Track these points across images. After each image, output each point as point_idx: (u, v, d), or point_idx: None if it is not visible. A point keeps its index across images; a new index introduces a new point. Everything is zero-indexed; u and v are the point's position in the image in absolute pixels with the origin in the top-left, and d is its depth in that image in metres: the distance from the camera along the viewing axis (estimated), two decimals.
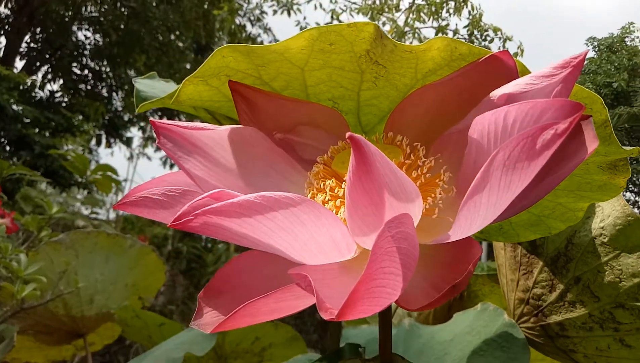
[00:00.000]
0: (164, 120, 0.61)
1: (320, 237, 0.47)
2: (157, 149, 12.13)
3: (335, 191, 0.57)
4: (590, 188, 0.80)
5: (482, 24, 8.74)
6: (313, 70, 0.66)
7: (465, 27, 8.98)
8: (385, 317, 0.73)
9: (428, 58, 0.60)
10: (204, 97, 0.73)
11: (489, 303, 1.32)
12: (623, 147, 0.67)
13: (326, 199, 0.58)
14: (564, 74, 0.50)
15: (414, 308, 0.46)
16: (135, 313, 2.14)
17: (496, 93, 0.55)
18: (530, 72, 0.58)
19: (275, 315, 0.51)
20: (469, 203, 0.44)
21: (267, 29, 12.93)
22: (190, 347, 1.53)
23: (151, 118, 0.61)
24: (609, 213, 1.05)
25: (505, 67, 0.57)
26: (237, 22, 12.05)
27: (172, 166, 12.09)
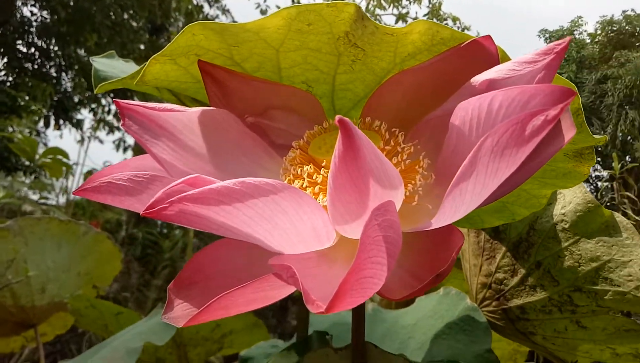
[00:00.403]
0: (130, 101, 0.57)
1: (301, 225, 0.45)
2: (110, 132, 11.71)
3: (314, 177, 0.55)
4: (555, 175, 0.82)
5: (442, 12, 8.86)
6: (288, 51, 0.63)
7: (425, 15, 9.07)
8: (358, 307, 0.72)
9: (408, 42, 0.59)
10: (171, 77, 0.69)
11: (451, 287, 1.34)
12: (593, 135, 0.68)
13: (304, 185, 0.55)
14: (546, 60, 0.49)
15: (396, 298, 0.45)
16: (90, 303, 2.06)
17: (478, 79, 0.54)
18: (510, 59, 0.57)
19: (252, 306, 0.49)
20: (455, 191, 0.43)
21: (225, 11, 12.62)
22: (149, 336, 1.49)
23: (114, 98, 0.56)
24: (570, 199, 1.08)
25: (486, 53, 0.57)
26: (195, 2, 11.70)
27: (125, 150, 11.71)
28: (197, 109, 0.60)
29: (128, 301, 6.89)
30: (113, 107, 11.34)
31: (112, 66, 0.97)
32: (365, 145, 0.40)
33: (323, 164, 0.56)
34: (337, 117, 0.38)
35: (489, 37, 0.56)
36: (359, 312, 0.72)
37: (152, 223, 11.10)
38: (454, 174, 0.56)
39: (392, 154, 0.58)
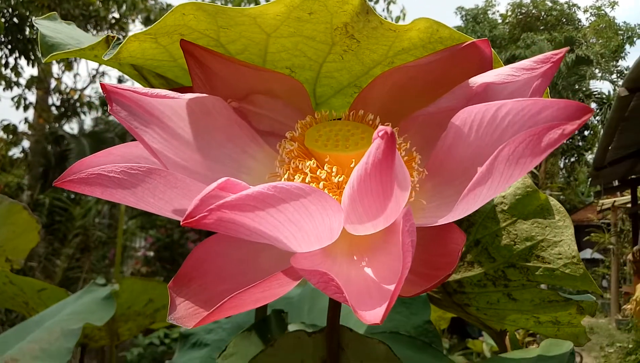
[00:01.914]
0: (118, 84, 0.52)
1: (322, 227, 0.45)
2: (7, 87, 10.59)
3: (317, 173, 0.55)
4: None
5: None
6: (280, 37, 0.61)
7: None
8: None
9: (406, 38, 0.59)
10: (147, 55, 0.64)
11: None
12: None
13: (307, 181, 0.55)
14: (543, 68, 0.52)
15: (410, 295, 0.47)
16: (9, 279, 1.91)
17: (475, 81, 0.56)
18: (501, 63, 0.60)
19: (260, 303, 0.49)
20: (471, 194, 0.45)
21: None
22: (86, 316, 1.41)
23: (102, 82, 0.51)
24: None
25: (481, 56, 0.59)
26: None
27: (26, 108, 10.68)
28: (188, 96, 0.56)
29: (35, 271, 6.46)
30: (11, 59, 10.27)
31: (57, 31, 0.88)
32: (397, 153, 0.40)
33: (327, 160, 0.56)
34: (382, 128, 0.38)
35: (486, 40, 0.58)
36: (334, 300, 0.74)
37: (60, 188, 10.38)
38: (448, 171, 0.59)
39: None
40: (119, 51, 0.60)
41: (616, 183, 10.50)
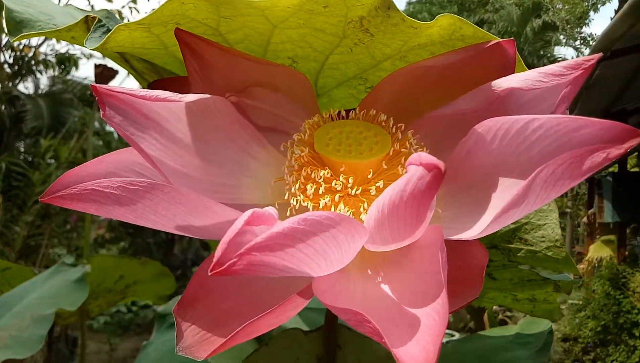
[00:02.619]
0: (111, 86, 0.46)
1: (347, 253, 0.41)
2: None
3: (333, 184, 0.51)
4: None
5: None
6: (287, 28, 0.56)
7: None
8: None
9: (425, 34, 0.55)
10: (137, 43, 0.58)
11: None
12: None
13: (321, 192, 0.51)
14: (573, 75, 0.49)
15: None
16: None
17: (500, 85, 0.53)
18: (524, 67, 0.57)
19: (273, 326, 0.46)
20: (504, 216, 0.43)
21: None
22: (58, 301, 1.35)
23: (92, 84, 0.45)
24: None
25: (505, 57, 0.55)
26: None
27: None
28: (188, 97, 0.51)
29: None
30: None
31: (26, 4, 0.79)
32: None
33: (342, 169, 0.52)
34: (427, 160, 0.34)
35: (512, 41, 0.54)
36: None
37: (15, 151, 9.90)
38: (464, 177, 0.56)
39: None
40: (105, 41, 0.54)
41: None
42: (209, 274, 0.34)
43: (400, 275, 0.48)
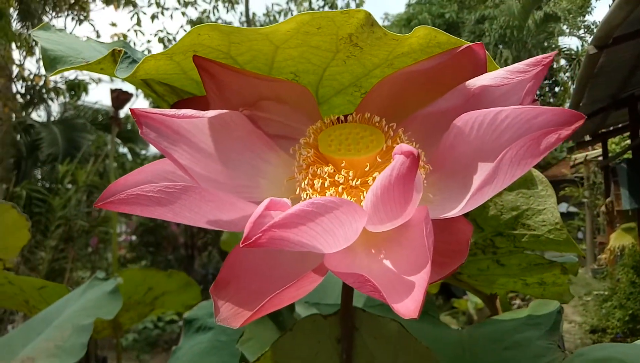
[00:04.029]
0: (146, 108, 0.56)
1: (350, 230, 0.50)
2: None
3: (336, 178, 0.60)
4: None
5: None
6: (288, 48, 0.65)
7: None
8: None
9: (406, 44, 0.64)
10: (160, 71, 0.68)
11: None
12: None
13: (326, 185, 0.60)
14: (535, 71, 0.58)
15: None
16: (8, 280, 1.93)
17: (474, 83, 0.61)
18: (495, 66, 0.65)
19: (295, 299, 0.55)
20: (479, 193, 0.51)
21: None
22: (96, 311, 1.46)
23: (132, 108, 0.55)
24: None
25: (476, 58, 0.64)
26: None
27: None
28: (208, 113, 0.60)
29: (19, 265, 6.39)
30: None
31: (57, 42, 0.89)
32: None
33: (343, 165, 0.61)
34: (406, 149, 0.43)
35: (481, 44, 0.63)
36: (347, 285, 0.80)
37: (33, 178, 10.15)
38: (450, 165, 0.64)
39: None
40: (136, 70, 0.63)
41: (588, 137, 10.81)
42: (240, 246, 0.43)
43: (397, 250, 0.57)
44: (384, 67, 0.70)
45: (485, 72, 0.64)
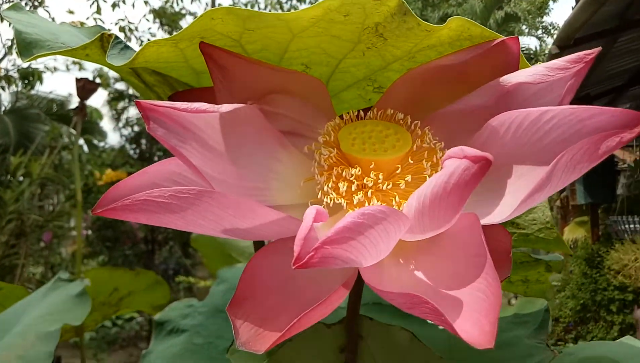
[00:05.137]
0: (154, 101, 0.49)
1: (393, 242, 0.45)
2: None
3: (365, 180, 0.54)
4: None
5: None
6: (306, 37, 0.59)
7: None
8: (356, 284, 0.74)
9: (436, 36, 0.59)
10: (161, 58, 0.60)
11: None
12: None
13: (353, 189, 0.54)
14: (576, 68, 0.54)
15: None
16: None
17: (509, 80, 0.57)
18: (526, 63, 0.61)
19: (323, 316, 0.49)
20: (529, 200, 0.47)
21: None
22: (62, 316, 1.35)
23: (137, 100, 0.48)
24: None
25: (509, 54, 0.59)
26: None
27: None
28: (222, 108, 0.53)
29: None
30: None
31: (31, 25, 0.79)
32: None
33: (371, 167, 0.55)
34: (472, 153, 0.38)
35: (516, 38, 0.58)
36: (356, 288, 0.75)
37: None
38: None
39: (431, 153, 0.59)
40: (134, 58, 0.56)
41: None
42: (293, 268, 0.37)
43: (432, 261, 0.52)
44: (404, 61, 0.65)
45: (517, 69, 0.60)
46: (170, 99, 0.67)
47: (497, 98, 0.59)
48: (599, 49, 0.54)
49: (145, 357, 1.61)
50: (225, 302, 1.82)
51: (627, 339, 1.13)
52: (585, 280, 7.50)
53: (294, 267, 0.37)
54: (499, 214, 0.51)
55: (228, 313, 0.50)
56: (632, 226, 8.38)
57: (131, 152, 11.68)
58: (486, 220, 0.52)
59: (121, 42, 0.66)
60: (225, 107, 0.53)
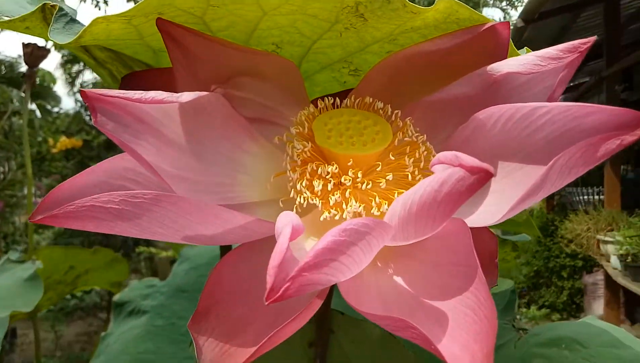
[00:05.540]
0: (103, 90, 0.42)
1: (373, 254, 0.40)
2: None
3: (342, 179, 0.50)
4: None
5: None
6: (278, 15, 0.53)
7: None
8: None
9: (421, 18, 0.54)
10: (112, 36, 0.53)
11: None
12: None
13: (329, 188, 0.49)
14: (570, 58, 0.50)
15: None
16: None
17: (498, 69, 0.53)
18: (514, 50, 0.57)
19: (295, 330, 0.45)
20: (521, 204, 0.43)
21: None
22: (12, 302, 1.26)
23: (82, 90, 0.41)
24: None
25: (497, 41, 0.55)
26: None
27: None
28: (182, 96, 0.47)
29: None
30: None
31: None
32: None
33: (350, 164, 0.50)
34: (469, 162, 0.33)
35: (507, 23, 0.54)
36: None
37: None
38: None
39: (413, 147, 0.54)
40: (80, 36, 0.48)
41: None
42: (266, 303, 0.32)
43: (411, 265, 0.48)
44: (385, 43, 0.60)
45: (506, 56, 0.56)
46: (125, 81, 0.59)
47: (484, 88, 0.55)
48: (594, 38, 0.50)
49: (105, 339, 1.55)
50: (188, 282, 1.77)
51: (590, 319, 1.15)
52: (539, 248, 7.80)
53: (266, 302, 0.32)
54: (489, 217, 0.47)
55: (190, 330, 0.45)
56: (586, 197, 8.72)
57: (87, 118, 11.17)
58: (474, 223, 0.48)
59: (66, 14, 0.58)
60: (186, 96, 0.47)
